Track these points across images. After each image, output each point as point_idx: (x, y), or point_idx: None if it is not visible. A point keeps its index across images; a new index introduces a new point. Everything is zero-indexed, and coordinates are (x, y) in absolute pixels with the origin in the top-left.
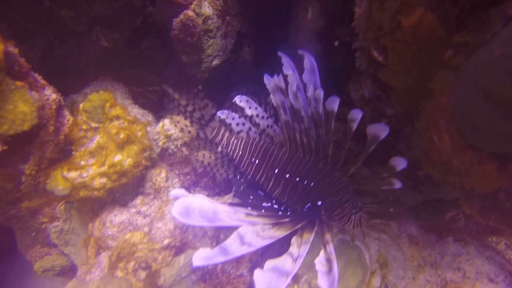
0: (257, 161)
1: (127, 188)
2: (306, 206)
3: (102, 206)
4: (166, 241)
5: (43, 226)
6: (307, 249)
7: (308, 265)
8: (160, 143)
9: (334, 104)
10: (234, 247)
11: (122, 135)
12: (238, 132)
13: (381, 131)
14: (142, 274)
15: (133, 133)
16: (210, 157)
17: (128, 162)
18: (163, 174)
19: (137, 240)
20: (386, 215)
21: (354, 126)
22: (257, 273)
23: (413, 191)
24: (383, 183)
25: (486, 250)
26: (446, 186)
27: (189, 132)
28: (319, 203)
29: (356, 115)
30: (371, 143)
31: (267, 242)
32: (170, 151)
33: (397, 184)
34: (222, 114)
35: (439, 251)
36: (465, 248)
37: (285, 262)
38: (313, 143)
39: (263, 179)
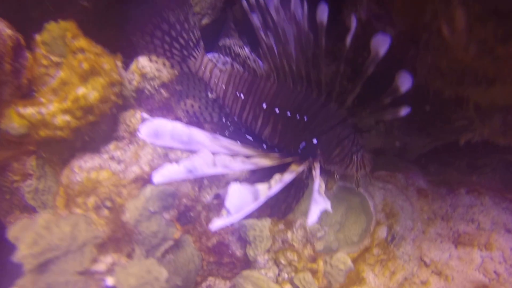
0: (242, 96)
1: (97, 129)
2: (301, 146)
3: (73, 154)
4: (133, 175)
5: (14, 185)
6: (289, 179)
7: (305, 211)
8: (135, 82)
9: (323, 14)
10: (204, 166)
11: (85, 65)
12: (223, 64)
13: (381, 44)
14: (105, 211)
15: (99, 64)
16: (194, 105)
17: (93, 95)
18: (138, 116)
19: (102, 178)
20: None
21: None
22: (234, 187)
23: (420, 134)
24: (386, 112)
25: (502, 201)
26: (459, 109)
27: (168, 71)
28: (315, 140)
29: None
30: (370, 62)
31: (247, 166)
32: (147, 92)
33: (404, 110)
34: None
35: (451, 203)
36: (479, 199)
37: (264, 187)
38: (303, 70)
39: (250, 117)
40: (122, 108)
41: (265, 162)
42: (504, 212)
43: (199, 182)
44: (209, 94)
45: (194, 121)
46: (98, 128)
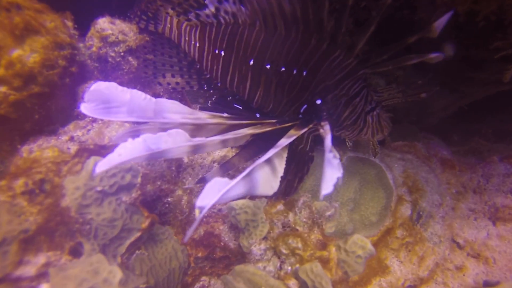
0: (222, 53)
1: (49, 105)
2: (302, 109)
3: (25, 139)
4: (76, 147)
5: None
6: (284, 144)
7: (309, 188)
8: (94, 48)
9: None
10: (170, 140)
11: (17, 20)
12: (188, 15)
13: None
14: (40, 196)
15: (38, 21)
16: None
17: (33, 58)
18: None
19: (43, 156)
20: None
21: None
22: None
23: (443, 91)
24: (409, 57)
25: None
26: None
27: (134, 34)
28: (318, 101)
29: None
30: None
31: (229, 136)
32: (111, 60)
33: (435, 55)
34: None
35: (482, 173)
36: None
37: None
38: (298, 10)
39: (236, 80)
40: (79, 79)
41: (253, 131)
42: None
43: (177, 160)
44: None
45: (178, 97)
46: (50, 103)
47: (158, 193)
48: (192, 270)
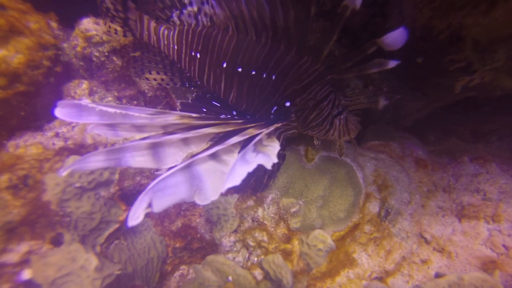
0: (198, 55)
1: (34, 103)
2: (272, 110)
3: (12, 134)
4: (60, 144)
5: None
6: (233, 141)
7: (281, 186)
8: (79, 48)
9: None
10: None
11: (1, 21)
12: (167, 20)
13: None
14: (23, 190)
15: (22, 22)
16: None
17: (17, 58)
18: (84, 85)
19: (26, 153)
20: (385, 135)
21: None
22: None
23: (415, 95)
24: (371, 65)
25: (511, 168)
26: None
27: (119, 35)
28: (287, 103)
29: None
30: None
31: (190, 135)
32: (96, 60)
33: (391, 62)
34: None
35: (453, 173)
36: (484, 167)
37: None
38: (267, 17)
39: (212, 80)
40: (64, 77)
41: (215, 130)
42: None
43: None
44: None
45: (163, 94)
46: (35, 101)
47: (138, 188)
48: (172, 260)
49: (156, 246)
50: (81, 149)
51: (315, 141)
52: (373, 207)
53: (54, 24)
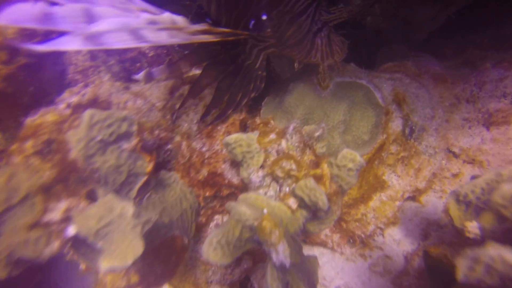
0: None
1: (39, 75)
2: (251, 24)
3: (25, 112)
4: (75, 100)
5: None
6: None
7: (300, 118)
8: None
9: None
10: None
11: None
12: None
13: None
14: (49, 153)
15: None
16: None
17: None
18: (84, 50)
19: (45, 121)
20: (399, 55)
21: None
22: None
23: (426, 3)
24: None
25: None
26: None
27: None
28: (264, 16)
29: None
30: None
31: (176, 40)
32: None
33: None
34: None
35: (475, 82)
36: (509, 69)
37: None
38: None
39: None
40: None
41: (204, 38)
42: None
43: (171, 108)
44: None
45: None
46: (41, 74)
47: (158, 142)
48: (204, 211)
49: (187, 197)
50: (94, 104)
51: (295, 65)
52: (396, 125)
53: None
